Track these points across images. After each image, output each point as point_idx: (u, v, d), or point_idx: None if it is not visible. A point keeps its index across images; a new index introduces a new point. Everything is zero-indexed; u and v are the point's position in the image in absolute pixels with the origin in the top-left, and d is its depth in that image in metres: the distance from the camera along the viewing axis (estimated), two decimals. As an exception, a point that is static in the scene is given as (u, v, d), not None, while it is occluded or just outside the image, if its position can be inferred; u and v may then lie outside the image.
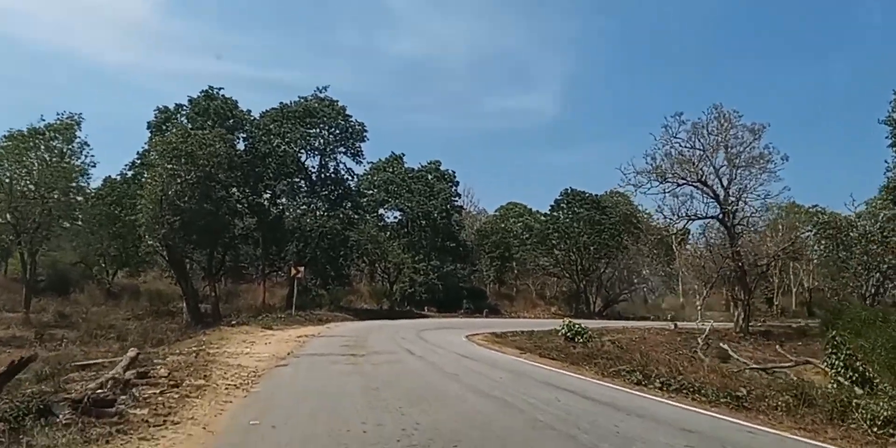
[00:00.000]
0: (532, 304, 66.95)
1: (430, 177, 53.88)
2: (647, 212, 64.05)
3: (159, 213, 33.33)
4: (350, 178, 42.72)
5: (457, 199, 55.86)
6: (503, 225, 71.63)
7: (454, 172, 55.81)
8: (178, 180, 33.95)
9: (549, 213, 59.47)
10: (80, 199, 39.38)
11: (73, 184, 36.83)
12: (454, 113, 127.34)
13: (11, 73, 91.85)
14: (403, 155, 55.39)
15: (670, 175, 38.81)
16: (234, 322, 25.82)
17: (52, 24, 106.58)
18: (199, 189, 35.00)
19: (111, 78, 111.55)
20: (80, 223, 42.76)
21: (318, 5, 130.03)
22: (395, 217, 55.75)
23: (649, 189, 40.26)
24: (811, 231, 72.73)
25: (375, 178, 52.60)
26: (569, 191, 58.52)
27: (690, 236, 74.02)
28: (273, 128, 40.42)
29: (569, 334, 26.61)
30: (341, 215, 40.17)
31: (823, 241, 73.33)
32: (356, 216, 41.86)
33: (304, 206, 39.79)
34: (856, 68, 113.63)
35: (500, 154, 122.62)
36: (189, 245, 36.54)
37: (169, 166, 33.47)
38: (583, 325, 27.23)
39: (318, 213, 40.96)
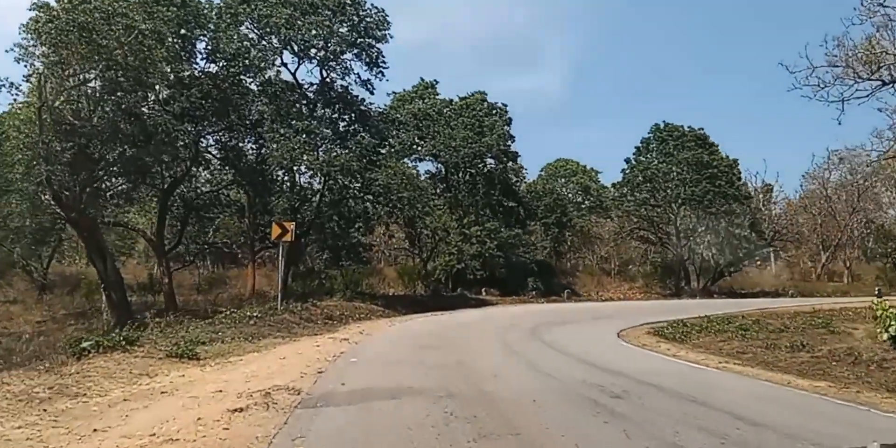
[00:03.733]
0: (599, 283, 52.16)
1: (476, 109, 38.74)
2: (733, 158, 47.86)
3: (39, 138, 18.68)
4: (370, 91, 27.56)
5: (511, 142, 40.56)
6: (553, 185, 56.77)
7: (506, 106, 40.64)
8: (69, 79, 19.23)
9: (634, 156, 44.13)
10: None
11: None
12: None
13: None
14: (437, 81, 40.22)
15: (893, 59, 23.51)
16: (118, 336, 9.90)
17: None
18: (110, 98, 20.32)
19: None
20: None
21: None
22: (429, 171, 40.70)
23: (847, 88, 24.84)
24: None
25: (401, 112, 37.34)
26: (661, 126, 43.13)
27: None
28: (242, 10, 25.33)
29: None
30: (357, 149, 25.24)
31: None
32: (382, 150, 26.92)
33: (302, 137, 24.73)
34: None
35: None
36: (104, 195, 21.82)
37: (48, 49, 18.74)
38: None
39: (320, 149, 26.04)
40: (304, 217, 27.96)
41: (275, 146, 24.58)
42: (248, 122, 27.32)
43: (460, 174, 38.83)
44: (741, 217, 42.14)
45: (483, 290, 36.07)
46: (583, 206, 58.35)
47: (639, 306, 33.39)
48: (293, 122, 25.24)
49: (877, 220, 57.02)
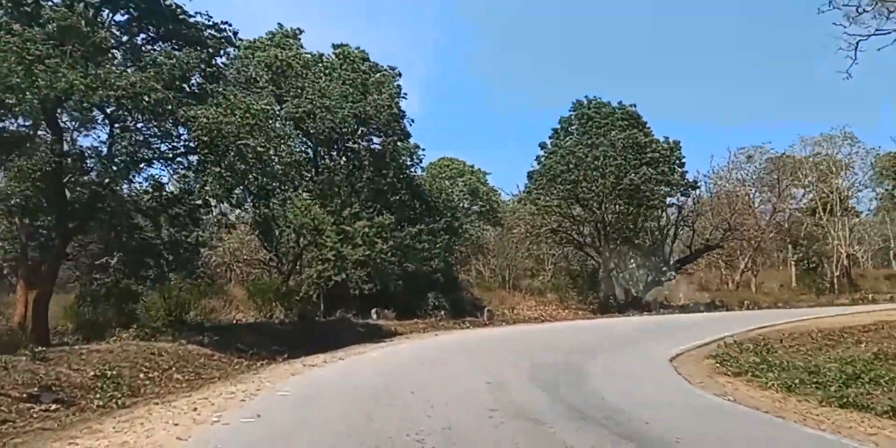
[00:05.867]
0: (501, 299, 43.16)
1: (357, 64, 28.44)
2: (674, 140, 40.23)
3: None
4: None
5: (402, 115, 30.36)
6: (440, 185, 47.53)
7: (395, 70, 30.57)
8: None
9: (551, 140, 35.53)
10: None
11: None
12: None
13: None
14: (301, 31, 29.48)
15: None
16: None
17: None
18: None
19: None
20: None
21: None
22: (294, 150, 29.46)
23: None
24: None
25: (252, 63, 26.19)
26: (585, 102, 34.86)
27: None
28: None
29: None
30: (166, 68, 14.08)
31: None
32: (215, 85, 15.83)
33: (59, 49, 13.18)
34: None
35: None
36: None
37: None
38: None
39: (99, 67, 14.58)
40: (79, 196, 16.29)
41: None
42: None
43: (336, 153, 28.29)
44: (680, 213, 34.74)
45: (374, 311, 25.51)
46: (471, 211, 49.99)
47: (593, 327, 24.38)
48: (41, 12, 13.67)
49: (784, 223, 53.27)
